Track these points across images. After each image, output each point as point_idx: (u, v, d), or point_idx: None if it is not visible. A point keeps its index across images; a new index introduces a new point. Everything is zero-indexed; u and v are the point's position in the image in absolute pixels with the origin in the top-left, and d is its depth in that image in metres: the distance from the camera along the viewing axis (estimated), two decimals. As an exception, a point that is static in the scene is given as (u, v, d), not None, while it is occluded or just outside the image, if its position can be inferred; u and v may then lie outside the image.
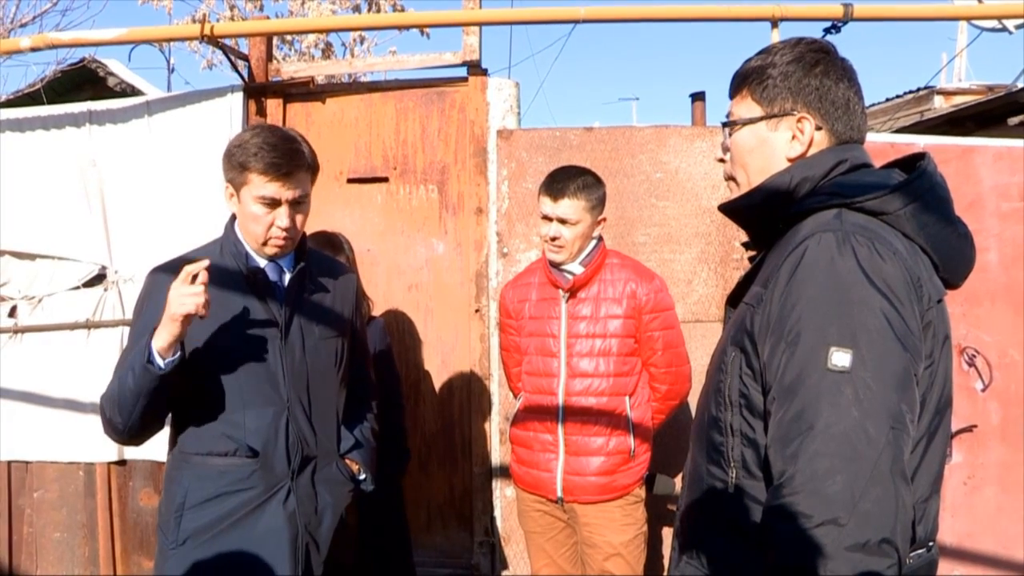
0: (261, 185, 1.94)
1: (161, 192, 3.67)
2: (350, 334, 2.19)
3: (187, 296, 1.79)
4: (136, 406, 1.85)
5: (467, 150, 3.71)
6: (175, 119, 3.68)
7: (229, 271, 2.00)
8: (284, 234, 1.97)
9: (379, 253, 3.80)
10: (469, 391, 3.69)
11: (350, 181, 3.80)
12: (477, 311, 3.65)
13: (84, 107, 3.73)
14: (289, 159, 1.93)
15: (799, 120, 1.44)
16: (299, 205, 2.00)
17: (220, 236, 2.08)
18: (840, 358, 1.21)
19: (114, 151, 3.72)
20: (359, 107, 3.81)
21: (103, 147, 3.72)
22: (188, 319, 1.81)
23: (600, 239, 2.80)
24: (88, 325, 3.65)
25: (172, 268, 1.96)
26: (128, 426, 1.89)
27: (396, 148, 3.79)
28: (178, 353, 1.84)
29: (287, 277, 2.05)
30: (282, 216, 1.96)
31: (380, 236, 3.80)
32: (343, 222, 3.75)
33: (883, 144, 3.56)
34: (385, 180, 3.79)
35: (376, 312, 3.50)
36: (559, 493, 2.71)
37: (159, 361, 1.82)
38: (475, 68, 3.66)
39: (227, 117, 3.63)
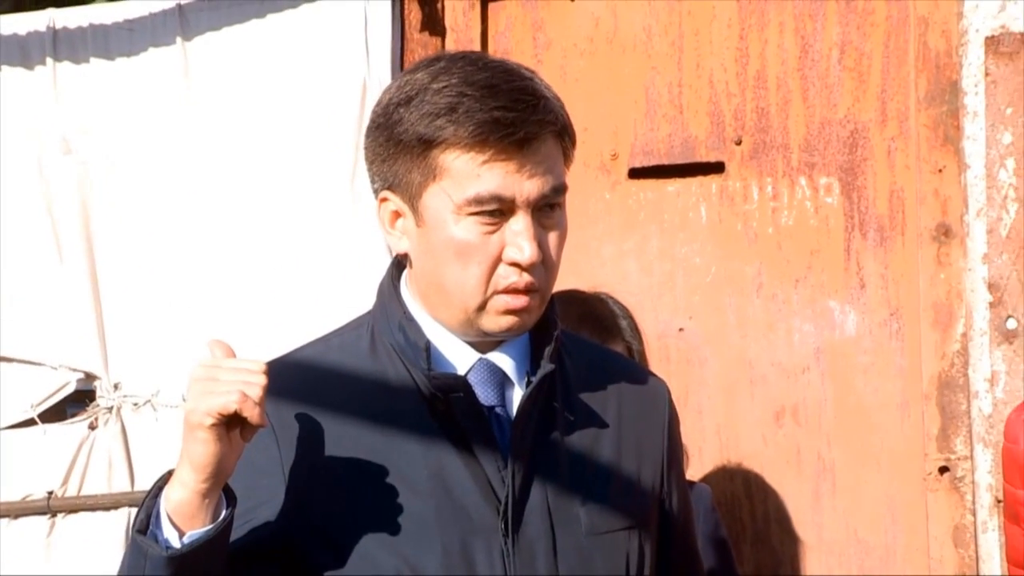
0: (473, 171, 1.13)
1: (214, 201, 2.35)
2: (660, 517, 1.39)
3: (232, 375, 1.09)
4: None
5: (911, 90, 2.27)
6: (241, 38, 2.37)
7: (389, 386, 1.28)
8: (529, 279, 1.19)
9: (705, 335, 2.40)
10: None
11: (633, 175, 2.37)
12: (943, 471, 2.35)
13: (44, 18, 2.20)
14: (525, 110, 1.11)
15: None
16: (551, 212, 1.20)
17: (369, 312, 1.34)
18: None
19: (109, 118, 2.36)
20: (654, 9, 2.34)
21: (84, 112, 2.35)
22: (230, 427, 1.07)
23: None
24: (51, 507, 2.25)
25: (278, 385, 1.13)
26: None
27: (741, 96, 2.32)
28: (221, 515, 1.10)
29: (516, 394, 1.27)
30: (523, 235, 1.16)
31: (707, 296, 2.37)
32: (617, 268, 2.37)
33: None
34: (719, 169, 2.34)
35: (696, 469, 2.42)
36: None
37: (168, 534, 1.07)
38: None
39: (359, 33, 2.33)
